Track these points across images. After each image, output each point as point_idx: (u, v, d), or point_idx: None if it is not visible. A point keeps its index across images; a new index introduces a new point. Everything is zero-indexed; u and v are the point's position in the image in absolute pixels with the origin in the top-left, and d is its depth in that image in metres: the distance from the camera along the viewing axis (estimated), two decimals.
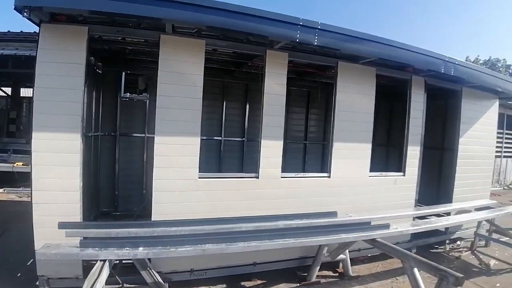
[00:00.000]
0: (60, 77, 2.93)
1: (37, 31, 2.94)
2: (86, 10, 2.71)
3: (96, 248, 2.45)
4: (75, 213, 3.04)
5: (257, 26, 3.00)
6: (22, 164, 7.83)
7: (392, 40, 3.81)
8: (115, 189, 5.50)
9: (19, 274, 3.64)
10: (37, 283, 3.15)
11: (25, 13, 2.54)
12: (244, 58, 4.59)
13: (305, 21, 3.17)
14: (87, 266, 3.18)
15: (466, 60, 31.68)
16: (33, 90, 2.96)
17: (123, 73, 4.85)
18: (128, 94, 5.06)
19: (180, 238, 2.71)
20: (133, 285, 3.13)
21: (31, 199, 3.02)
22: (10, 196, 7.46)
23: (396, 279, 4.15)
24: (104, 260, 2.36)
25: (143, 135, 5.64)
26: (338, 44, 3.47)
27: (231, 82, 6.21)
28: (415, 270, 2.75)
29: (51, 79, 2.92)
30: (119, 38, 3.50)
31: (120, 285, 3.12)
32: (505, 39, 70.75)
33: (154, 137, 3.25)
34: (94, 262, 3.10)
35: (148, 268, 3.08)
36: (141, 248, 2.49)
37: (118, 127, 5.44)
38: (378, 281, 4.08)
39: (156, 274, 3.11)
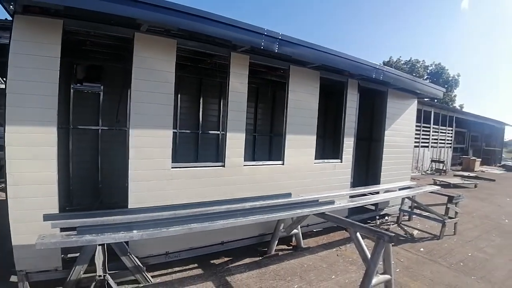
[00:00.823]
0: (34, 70, 2.91)
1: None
2: (63, 6, 2.75)
3: (93, 234, 2.59)
4: (53, 206, 3.08)
5: (227, 32, 3.42)
6: None
7: (335, 50, 4.57)
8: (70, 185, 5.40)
9: None
10: (16, 278, 3.14)
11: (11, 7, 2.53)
12: (205, 56, 4.92)
13: (269, 31, 3.71)
14: (65, 258, 3.29)
15: (389, 60, 35.48)
16: (5, 82, 2.91)
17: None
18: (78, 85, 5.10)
19: (163, 221, 3.00)
20: (114, 271, 3.30)
21: (6, 194, 2.97)
22: None
23: (340, 248, 5.00)
24: (102, 244, 2.54)
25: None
26: (292, 51, 4.07)
27: (186, 76, 6.47)
28: (358, 234, 3.50)
29: (25, 72, 2.89)
30: (91, 33, 3.56)
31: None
32: (424, 41, 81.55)
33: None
34: (73, 253, 3.26)
35: (128, 253, 3.32)
36: (135, 231, 2.71)
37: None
38: (325, 250, 4.87)
39: (135, 258, 3.36)
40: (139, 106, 3.41)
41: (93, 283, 2.09)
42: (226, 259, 4.28)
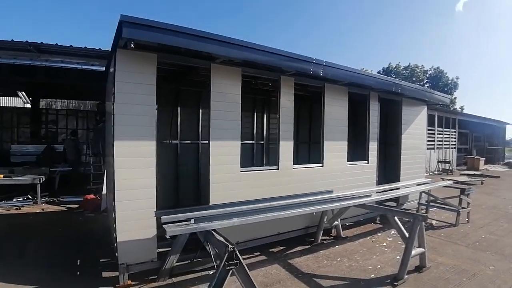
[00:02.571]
0: (136, 95, 3.59)
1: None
2: (171, 45, 3.47)
3: (206, 222, 3.34)
4: (152, 206, 3.73)
5: (283, 62, 4.33)
6: (3, 177, 7.80)
7: (361, 70, 5.49)
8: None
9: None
10: (107, 274, 3.84)
11: (131, 45, 3.22)
12: (259, 79, 5.81)
13: (317, 60, 4.65)
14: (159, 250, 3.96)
15: (389, 66, 36.32)
16: (113, 106, 3.53)
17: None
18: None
19: (245, 212, 3.79)
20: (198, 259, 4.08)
21: (114, 198, 3.54)
22: None
23: (372, 236, 5.81)
24: (214, 229, 3.31)
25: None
26: (332, 74, 4.98)
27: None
28: (396, 218, 4.30)
29: (128, 97, 3.55)
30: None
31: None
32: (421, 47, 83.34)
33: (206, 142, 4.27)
34: (166, 247, 3.99)
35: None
36: (235, 219, 3.49)
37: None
38: (361, 238, 5.67)
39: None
40: (216, 122, 4.24)
41: (226, 254, 2.80)
42: (281, 247, 5.06)
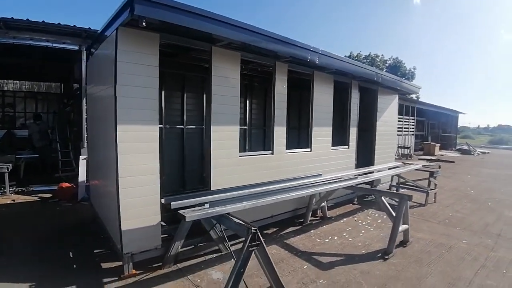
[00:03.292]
0: (139, 77, 3.43)
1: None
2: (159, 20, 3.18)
3: (220, 206, 3.36)
4: (156, 193, 3.68)
5: (284, 49, 4.40)
6: None
7: (347, 58, 5.73)
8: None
9: None
10: (107, 265, 3.73)
11: (143, 23, 3.00)
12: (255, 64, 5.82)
13: (314, 48, 4.77)
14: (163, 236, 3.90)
15: (350, 55, 37.78)
16: (114, 88, 3.31)
17: None
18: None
19: (249, 196, 3.89)
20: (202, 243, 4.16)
21: (117, 185, 3.39)
22: None
23: (354, 215, 6.28)
24: (228, 213, 3.37)
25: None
26: (326, 62, 5.14)
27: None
28: (383, 198, 4.70)
29: (131, 78, 3.35)
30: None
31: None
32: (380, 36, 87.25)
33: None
34: (167, 233, 4.00)
35: (214, 228, 4.16)
36: (245, 202, 3.57)
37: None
38: (345, 218, 6.11)
39: (221, 232, 4.20)
40: (216, 107, 4.23)
41: (249, 236, 2.89)
42: (275, 229, 5.28)
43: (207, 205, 3.40)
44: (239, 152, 4.59)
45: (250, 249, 2.94)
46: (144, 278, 3.63)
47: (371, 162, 7.72)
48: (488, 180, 11.41)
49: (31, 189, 7.78)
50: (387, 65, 37.91)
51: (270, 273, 3.17)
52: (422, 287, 3.58)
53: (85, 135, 7.33)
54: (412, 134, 20.20)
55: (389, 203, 4.67)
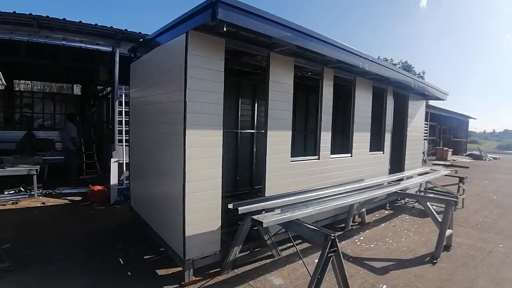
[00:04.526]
0: (206, 82, 3.45)
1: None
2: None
3: (290, 211, 3.40)
4: (218, 197, 3.67)
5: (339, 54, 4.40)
6: None
7: (385, 62, 5.73)
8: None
9: None
10: (163, 272, 3.67)
11: (224, 28, 2.98)
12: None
13: (366, 54, 4.86)
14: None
15: None
16: (184, 92, 3.30)
17: None
18: None
19: (307, 203, 3.91)
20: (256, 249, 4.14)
21: (183, 190, 3.35)
22: None
23: (390, 221, 6.26)
24: (297, 218, 3.38)
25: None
26: (375, 69, 5.12)
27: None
28: (428, 203, 4.69)
29: (199, 83, 3.38)
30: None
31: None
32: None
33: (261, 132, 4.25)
34: (229, 238, 3.98)
35: (269, 233, 4.16)
36: (310, 208, 3.58)
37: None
38: (382, 223, 6.10)
39: (273, 238, 4.20)
40: (273, 112, 4.23)
41: (329, 242, 2.88)
42: None
43: (277, 211, 3.38)
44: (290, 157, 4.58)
45: (329, 255, 2.93)
46: (205, 285, 3.59)
47: (401, 168, 7.72)
48: (506, 186, 11.47)
49: (58, 191, 7.74)
50: (397, 67, 38.00)
51: (342, 278, 3.17)
52: None
53: (117, 138, 7.31)
54: (426, 139, 20.19)
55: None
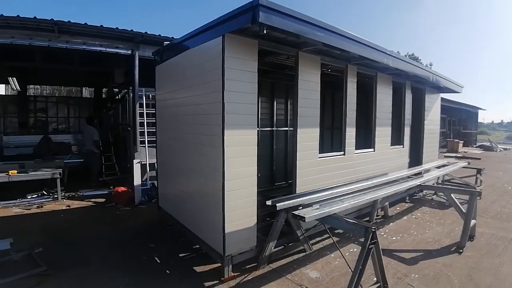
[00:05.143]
0: (241, 83, 3.54)
1: None
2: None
3: (327, 207, 3.52)
4: (254, 194, 3.78)
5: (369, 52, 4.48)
6: (17, 172, 7.18)
7: (413, 62, 5.79)
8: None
9: None
10: (200, 268, 3.78)
11: (264, 31, 3.06)
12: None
13: (390, 51, 4.83)
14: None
15: None
16: (222, 93, 3.41)
17: None
18: None
19: (337, 198, 4.02)
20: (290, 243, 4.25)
21: (223, 189, 3.46)
22: (15, 210, 6.66)
23: (412, 214, 6.36)
24: (335, 213, 3.49)
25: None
26: (397, 65, 5.14)
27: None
28: (452, 194, 4.78)
29: (236, 84, 3.47)
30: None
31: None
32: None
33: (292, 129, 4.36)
34: (264, 235, 4.09)
35: (301, 228, 4.27)
36: (346, 203, 3.69)
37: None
38: (405, 216, 6.20)
39: (304, 232, 4.31)
40: (302, 110, 4.33)
41: (370, 234, 2.99)
42: None
43: (315, 206, 3.49)
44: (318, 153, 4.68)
45: (370, 247, 3.04)
46: (244, 280, 3.71)
47: (419, 161, 7.77)
48: None
49: (80, 194, 7.90)
50: None
51: (380, 268, 3.31)
52: (500, 274, 3.86)
53: (139, 139, 7.45)
54: None
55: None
